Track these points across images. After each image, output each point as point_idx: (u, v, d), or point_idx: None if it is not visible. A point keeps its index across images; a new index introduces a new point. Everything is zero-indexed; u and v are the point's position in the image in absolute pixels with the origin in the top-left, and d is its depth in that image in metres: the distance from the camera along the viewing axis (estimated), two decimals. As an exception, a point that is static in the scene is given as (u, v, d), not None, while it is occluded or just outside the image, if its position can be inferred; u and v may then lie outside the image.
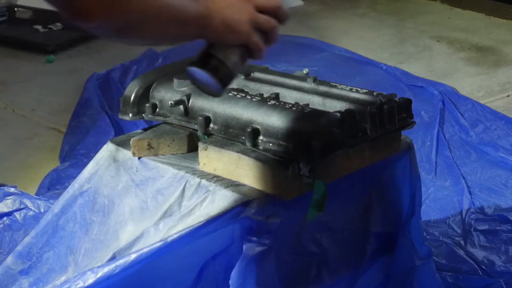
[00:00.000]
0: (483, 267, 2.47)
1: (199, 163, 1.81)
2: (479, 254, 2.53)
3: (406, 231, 1.95)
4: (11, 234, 2.50)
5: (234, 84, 1.96)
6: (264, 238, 1.67)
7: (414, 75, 3.93)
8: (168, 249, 1.64)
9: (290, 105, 1.77)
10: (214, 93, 1.51)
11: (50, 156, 3.24)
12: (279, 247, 1.70)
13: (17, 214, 2.55)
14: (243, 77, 1.98)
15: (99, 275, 1.63)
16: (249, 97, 1.82)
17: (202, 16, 1.41)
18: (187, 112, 1.87)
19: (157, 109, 1.93)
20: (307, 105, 1.84)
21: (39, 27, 4.66)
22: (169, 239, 1.64)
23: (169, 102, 1.88)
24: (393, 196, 1.95)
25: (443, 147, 3.17)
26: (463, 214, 2.73)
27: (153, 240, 1.72)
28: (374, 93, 1.85)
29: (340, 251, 1.84)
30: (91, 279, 1.63)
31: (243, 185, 1.74)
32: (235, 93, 1.85)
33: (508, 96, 3.83)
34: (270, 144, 1.73)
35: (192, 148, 1.88)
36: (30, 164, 3.20)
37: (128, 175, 1.89)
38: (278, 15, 1.52)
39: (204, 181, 1.76)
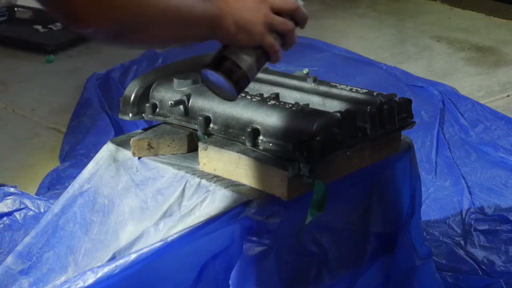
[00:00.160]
0: (483, 267, 2.47)
1: (199, 163, 1.81)
2: (479, 254, 2.53)
3: (406, 231, 1.95)
4: (11, 234, 2.50)
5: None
6: (264, 238, 1.67)
7: (414, 75, 3.93)
8: (168, 249, 1.64)
9: (290, 105, 1.77)
10: (229, 97, 1.46)
11: (50, 156, 3.24)
12: (279, 247, 1.70)
13: (17, 214, 2.55)
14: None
15: (99, 275, 1.63)
16: (249, 97, 1.82)
17: (213, 17, 1.37)
18: (187, 112, 1.87)
19: (157, 109, 1.93)
20: (307, 105, 1.84)
21: (39, 27, 4.66)
22: (169, 239, 1.64)
23: (169, 102, 1.88)
24: (393, 196, 1.95)
25: (443, 147, 3.17)
26: (463, 214, 2.73)
27: (153, 240, 1.72)
28: (374, 93, 1.85)
29: (340, 251, 1.84)
30: (91, 279, 1.63)
31: (243, 185, 1.74)
32: (235, 93, 1.85)
33: (508, 96, 3.83)
34: (270, 144, 1.72)
35: (192, 148, 1.88)
36: (30, 164, 3.20)
37: (128, 175, 1.89)
38: (296, 17, 1.48)
39: (204, 181, 1.76)
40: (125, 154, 1.90)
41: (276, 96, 1.89)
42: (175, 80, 1.91)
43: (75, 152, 3.18)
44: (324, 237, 1.81)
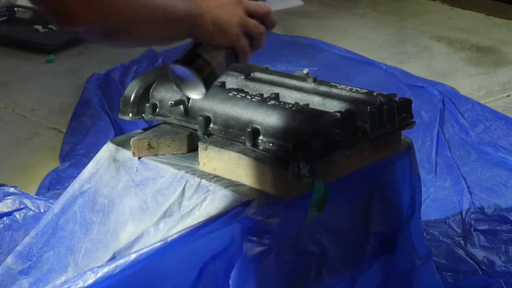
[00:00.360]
0: (483, 267, 2.47)
1: (199, 163, 1.81)
2: (479, 254, 2.53)
3: (406, 231, 1.95)
4: (11, 234, 2.50)
5: (234, 84, 1.96)
6: (264, 238, 1.67)
7: (414, 75, 3.93)
8: (168, 249, 1.64)
9: (290, 105, 1.77)
10: (193, 93, 1.49)
11: (50, 156, 3.24)
12: (279, 247, 1.70)
13: (17, 214, 2.55)
14: (243, 77, 1.98)
15: (99, 275, 1.63)
16: (249, 97, 1.82)
17: (193, 15, 1.40)
18: (187, 112, 1.87)
19: (157, 109, 1.93)
20: (307, 105, 1.84)
21: (39, 27, 4.66)
22: (169, 239, 1.64)
23: (169, 102, 1.88)
24: (393, 196, 1.95)
25: (443, 147, 3.17)
26: (463, 214, 2.73)
27: (153, 240, 1.72)
28: (374, 93, 1.85)
29: (340, 251, 1.84)
30: (91, 279, 1.63)
31: (243, 185, 1.74)
32: (235, 93, 1.85)
33: (508, 96, 3.83)
34: (270, 144, 1.72)
35: (192, 148, 1.88)
36: (30, 164, 3.20)
37: (128, 175, 1.89)
38: (267, 20, 1.51)
39: (204, 181, 1.76)
40: (125, 154, 1.90)
41: (276, 96, 1.89)
42: (175, 80, 1.91)
43: (75, 152, 3.17)
44: (324, 237, 1.81)
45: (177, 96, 1.88)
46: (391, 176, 1.93)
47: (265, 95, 1.87)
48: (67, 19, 1.22)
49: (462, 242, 2.58)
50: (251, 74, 1.99)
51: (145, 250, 1.64)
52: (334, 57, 4.19)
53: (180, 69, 1.46)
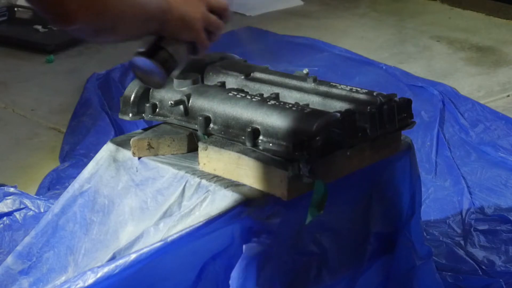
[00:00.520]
0: (483, 267, 2.47)
1: (199, 163, 1.81)
2: (479, 254, 2.53)
3: (406, 231, 1.95)
4: (11, 234, 2.50)
5: (234, 84, 1.96)
6: (264, 238, 1.67)
7: (414, 75, 3.93)
8: (168, 249, 1.64)
9: (290, 105, 1.77)
10: (157, 84, 1.56)
11: (50, 156, 3.24)
12: (279, 247, 1.70)
13: (17, 214, 2.55)
14: (243, 77, 1.98)
15: (99, 275, 1.63)
16: (249, 97, 1.82)
17: (164, 11, 1.45)
18: (187, 112, 1.87)
19: (157, 109, 1.93)
20: (307, 105, 1.84)
21: (39, 27, 4.66)
22: (169, 239, 1.64)
23: (169, 102, 1.88)
24: (393, 196, 1.95)
25: (443, 147, 3.17)
26: (463, 214, 2.73)
27: (153, 240, 1.72)
28: (374, 93, 1.85)
29: (340, 251, 1.84)
30: (91, 279, 1.63)
31: (243, 185, 1.74)
32: (235, 93, 1.85)
33: (508, 96, 3.83)
34: (270, 144, 1.72)
35: (192, 148, 1.88)
36: (30, 164, 3.20)
37: (128, 175, 1.89)
38: (224, 16, 1.57)
39: (204, 181, 1.76)
40: (125, 154, 1.90)
41: (276, 96, 1.89)
42: (175, 80, 1.91)
43: (75, 152, 3.18)
44: (324, 237, 1.81)
45: (177, 96, 1.88)
46: (391, 176, 1.93)
47: (265, 95, 1.87)
48: (65, 18, 1.28)
49: (462, 242, 2.58)
50: (251, 74, 1.99)
51: (145, 250, 1.64)
52: (334, 57, 4.19)
53: (143, 61, 1.52)
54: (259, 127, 1.74)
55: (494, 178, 2.98)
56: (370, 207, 1.90)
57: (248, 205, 1.68)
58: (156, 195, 1.83)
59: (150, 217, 1.81)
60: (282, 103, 1.79)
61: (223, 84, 1.96)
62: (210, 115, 1.83)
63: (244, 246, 1.67)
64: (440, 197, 2.88)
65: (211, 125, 1.83)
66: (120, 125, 3.34)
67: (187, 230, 1.65)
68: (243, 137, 1.76)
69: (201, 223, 1.66)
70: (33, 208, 2.57)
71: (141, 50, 1.51)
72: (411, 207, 1.97)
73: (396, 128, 1.85)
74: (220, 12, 1.56)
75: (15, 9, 4.91)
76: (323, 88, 1.91)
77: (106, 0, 1.31)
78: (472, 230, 2.64)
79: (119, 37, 1.43)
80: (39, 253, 2.03)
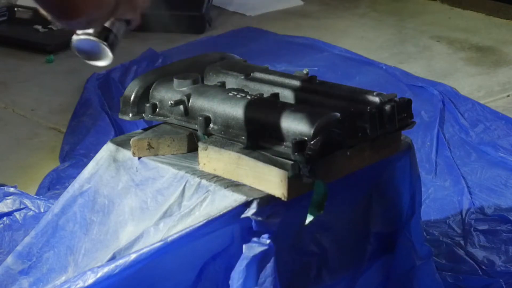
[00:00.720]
0: (483, 267, 2.47)
1: (199, 163, 1.81)
2: (479, 254, 2.53)
3: (406, 231, 1.95)
4: (11, 234, 2.50)
5: (234, 84, 1.96)
6: (264, 238, 1.67)
7: (414, 75, 3.93)
8: (168, 249, 1.64)
9: (290, 105, 1.77)
10: (100, 62, 1.67)
11: (50, 156, 3.24)
12: (279, 247, 1.70)
13: (17, 214, 2.55)
14: (243, 77, 1.98)
15: (99, 275, 1.63)
16: (249, 97, 1.82)
17: None
18: (187, 112, 1.87)
19: (157, 109, 1.93)
20: (307, 105, 1.84)
21: (39, 27, 4.66)
22: (169, 239, 1.64)
23: (169, 102, 1.88)
24: (393, 196, 1.95)
25: (443, 147, 3.17)
26: (463, 214, 2.73)
27: (153, 240, 1.72)
28: (374, 93, 1.85)
29: (340, 251, 1.85)
30: (91, 279, 1.64)
31: (243, 185, 1.74)
32: (235, 93, 1.85)
33: (508, 96, 3.83)
34: (270, 144, 1.72)
35: (192, 148, 1.88)
36: (30, 164, 3.20)
37: (128, 175, 1.89)
38: None
39: (204, 181, 1.76)
40: (125, 154, 1.90)
41: (276, 96, 1.89)
42: (175, 80, 1.91)
43: (75, 152, 3.17)
44: (324, 237, 1.81)
45: (177, 96, 1.88)
46: (391, 176, 1.93)
47: (265, 95, 1.87)
48: (71, 12, 1.32)
49: (462, 242, 2.58)
50: (251, 74, 1.99)
51: (145, 250, 1.64)
52: (334, 57, 4.19)
53: (89, 43, 1.60)
54: (259, 127, 1.74)
55: (494, 178, 2.97)
56: (370, 207, 1.90)
57: (248, 205, 1.68)
58: (156, 195, 1.83)
59: (150, 217, 1.81)
60: (282, 103, 1.79)
61: (223, 84, 1.96)
62: (210, 115, 1.83)
63: (244, 246, 1.67)
64: (440, 197, 2.88)
65: (211, 125, 1.83)
66: (120, 125, 3.34)
67: (187, 230, 1.65)
68: (243, 137, 1.76)
69: (201, 223, 1.66)
70: (33, 208, 2.56)
71: (86, 32, 1.57)
72: (411, 207, 1.97)
73: (396, 128, 1.85)
74: None
75: (15, 9, 4.91)
76: (323, 88, 1.91)
77: None
78: (472, 230, 2.64)
79: (92, 25, 1.50)
80: (39, 253, 2.03)
